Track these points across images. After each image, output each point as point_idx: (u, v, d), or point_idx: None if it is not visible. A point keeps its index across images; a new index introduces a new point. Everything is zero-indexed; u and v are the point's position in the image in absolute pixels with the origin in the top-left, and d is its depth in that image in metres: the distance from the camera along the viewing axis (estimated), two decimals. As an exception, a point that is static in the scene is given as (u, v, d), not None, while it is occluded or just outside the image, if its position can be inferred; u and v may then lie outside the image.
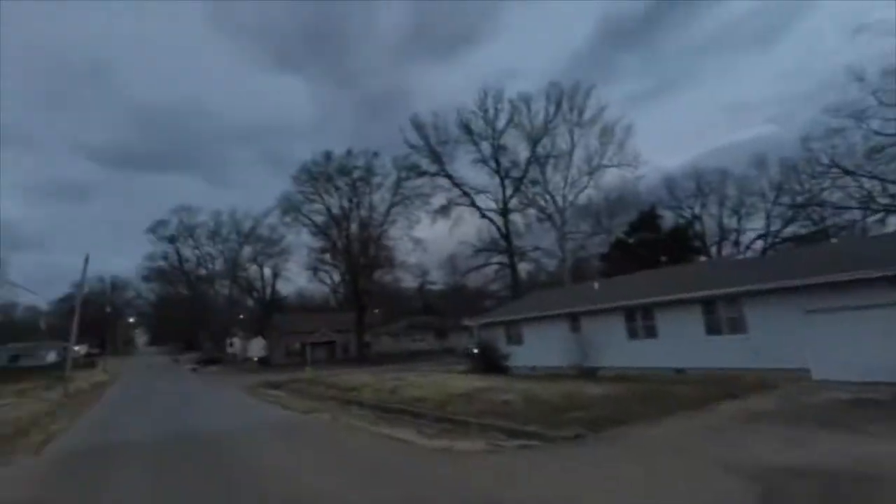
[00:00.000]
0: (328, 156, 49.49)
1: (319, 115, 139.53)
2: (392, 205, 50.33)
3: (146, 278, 78.56)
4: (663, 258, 39.63)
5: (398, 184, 50.14)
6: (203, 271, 72.46)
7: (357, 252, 51.41)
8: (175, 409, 19.75)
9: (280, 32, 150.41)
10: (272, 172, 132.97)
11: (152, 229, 64.24)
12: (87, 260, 30.15)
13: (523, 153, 49.43)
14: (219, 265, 72.99)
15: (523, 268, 53.49)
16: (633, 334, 20.07)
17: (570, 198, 48.00)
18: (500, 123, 49.80)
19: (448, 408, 12.85)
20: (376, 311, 58.84)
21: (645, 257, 39.94)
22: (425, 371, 29.43)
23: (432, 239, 53.17)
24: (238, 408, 19.55)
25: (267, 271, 55.16)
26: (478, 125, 49.94)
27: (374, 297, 52.33)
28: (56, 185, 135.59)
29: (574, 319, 22.71)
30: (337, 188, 50.28)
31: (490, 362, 23.77)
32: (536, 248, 50.95)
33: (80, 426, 15.98)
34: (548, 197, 48.53)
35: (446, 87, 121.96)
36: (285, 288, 66.50)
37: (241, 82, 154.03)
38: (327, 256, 54.95)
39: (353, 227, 51.71)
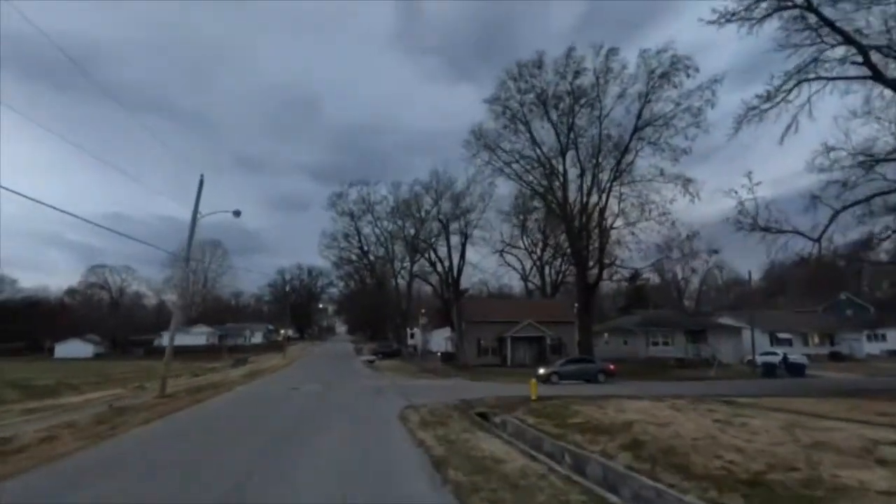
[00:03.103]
0: (539, 62, 33.41)
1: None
2: (639, 127, 31.79)
3: (336, 265, 75.06)
4: None
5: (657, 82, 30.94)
6: (382, 251, 64.33)
7: (577, 216, 34.70)
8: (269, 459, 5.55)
9: (455, 46, 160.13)
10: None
11: (332, 203, 57.70)
12: (201, 182, 19.74)
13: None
14: (399, 248, 63.94)
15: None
16: None
17: None
18: None
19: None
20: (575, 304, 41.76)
21: None
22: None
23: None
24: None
25: (454, 240, 41.51)
26: None
27: (596, 284, 34.96)
28: (281, 199, 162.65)
29: None
30: (555, 108, 33.73)
31: None
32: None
33: None
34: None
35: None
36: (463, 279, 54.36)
37: (421, 96, 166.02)
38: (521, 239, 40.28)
39: (573, 176, 34.97)
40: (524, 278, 68.00)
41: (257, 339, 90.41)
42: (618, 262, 33.98)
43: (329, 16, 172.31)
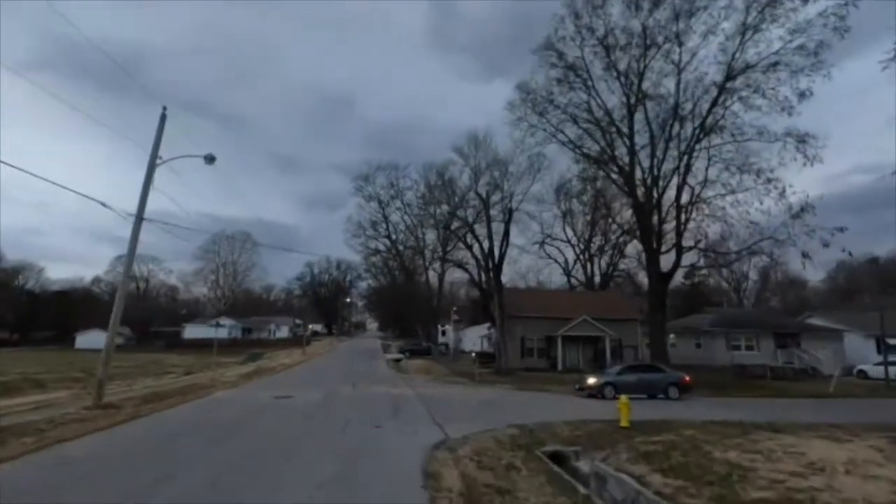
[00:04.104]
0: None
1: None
2: (733, 74, 24.68)
3: (365, 259, 70.39)
4: None
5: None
6: (412, 241, 58.99)
7: (648, 188, 28.12)
8: None
9: (489, 43, 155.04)
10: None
11: (358, 188, 52.77)
12: (162, 119, 14.60)
13: None
14: (431, 237, 58.43)
15: None
16: None
17: None
18: None
19: None
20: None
21: None
22: None
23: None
24: None
25: (495, 218, 34.96)
26: None
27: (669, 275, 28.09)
28: (315, 198, 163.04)
29: None
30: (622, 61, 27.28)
31: None
32: None
33: None
34: None
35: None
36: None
37: (455, 93, 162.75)
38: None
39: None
40: (566, 272, 61.31)
41: (283, 333, 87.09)
42: (701, 246, 27.05)
43: (362, 15, 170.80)
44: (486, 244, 30.64)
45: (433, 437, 9.78)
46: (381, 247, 60.44)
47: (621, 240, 55.90)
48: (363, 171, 50.09)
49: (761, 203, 25.19)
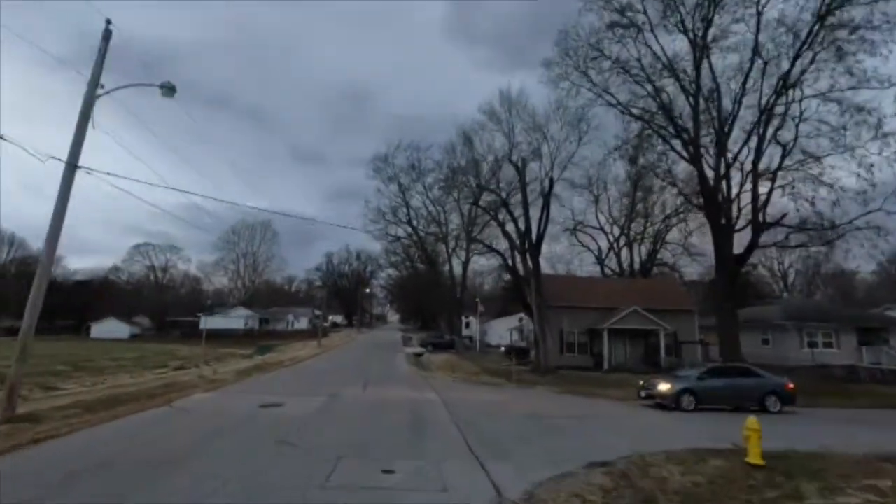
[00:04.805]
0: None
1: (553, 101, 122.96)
2: (828, 10, 19.71)
3: (386, 250, 66.92)
4: None
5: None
6: (435, 226, 55.00)
7: (715, 154, 23.49)
8: None
9: (510, 33, 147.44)
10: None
11: (376, 169, 48.95)
12: (106, 35, 10.94)
13: None
14: (455, 221, 54.45)
15: None
16: None
17: None
18: None
19: None
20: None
21: None
22: None
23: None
24: None
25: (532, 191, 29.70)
26: None
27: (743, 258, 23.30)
28: (337, 190, 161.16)
29: None
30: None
31: None
32: None
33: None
34: None
35: None
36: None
37: (477, 85, 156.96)
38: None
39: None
40: (599, 261, 56.61)
41: (302, 324, 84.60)
42: (785, 221, 22.20)
43: (383, 8, 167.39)
44: (521, 223, 26.31)
45: (478, 495, 5.82)
46: (402, 233, 56.65)
47: (664, 225, 51.08)
48: (382, 152, 45.72)
49: (866, 169, 20.30)
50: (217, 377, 19.31)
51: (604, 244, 56.97)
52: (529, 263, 25.52)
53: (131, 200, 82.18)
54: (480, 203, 27.63)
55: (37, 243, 74.74)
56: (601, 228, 56.05)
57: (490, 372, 25.36)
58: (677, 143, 25.51)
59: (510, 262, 26.92)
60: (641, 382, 16.46)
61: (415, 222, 54.89)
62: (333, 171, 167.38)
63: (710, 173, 24.28)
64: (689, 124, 24.70)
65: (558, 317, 28.49)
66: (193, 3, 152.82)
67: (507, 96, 30.07)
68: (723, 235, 23.78)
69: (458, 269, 56.98)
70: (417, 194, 51.61)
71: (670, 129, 25.45)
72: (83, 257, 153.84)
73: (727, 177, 24.18)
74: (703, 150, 24.65)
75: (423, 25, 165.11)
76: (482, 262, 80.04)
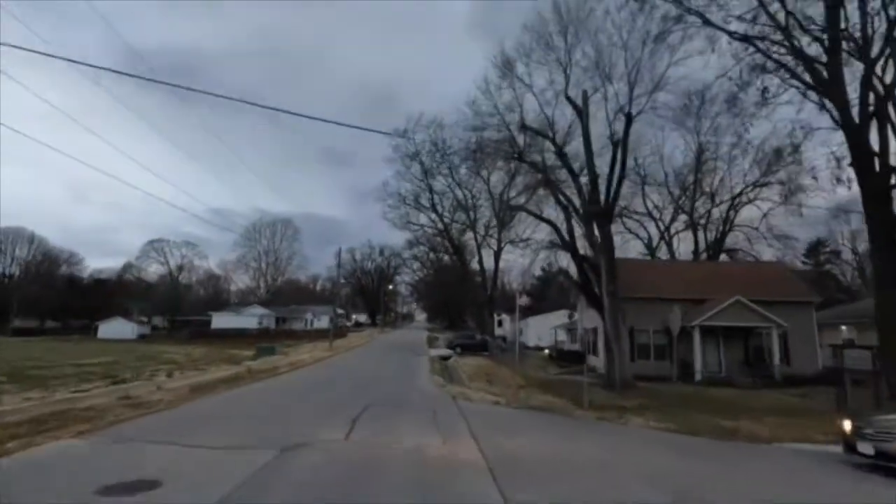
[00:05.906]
0: None
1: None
2: None
3: (411, 242, 60.79)
4: None
5: None
6: (462, 215, 48.46)
7: (864, 101, 16.19)
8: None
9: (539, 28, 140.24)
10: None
11: (395, 149, 42.61)
12: None
13: None
14: (485, 209, 47.96)
15: None
16: None
17: None
18: None
19: None
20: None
21: None
22: None
23: None
24: None
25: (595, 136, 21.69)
26: None
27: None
28: (364, 190, 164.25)
29: None
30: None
31: None
32: None
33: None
34: None
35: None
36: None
37: (499, 80, 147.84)
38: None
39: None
40: (650, 250, 49.22)
41: (322, 323, 79.47)
42: None
43: (408, 9, 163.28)
44: (584, 175, 18.87)
45: None
46: (426, 220, 50.19)
47: (737, 201, 43.16)
48: (401, 127, 39.15)
49: None
50: (154, 397, 13.35)
51: (653, 231, 49.83)
52: (597, 235, 18.47)
53: (162, 204, 78.84)
54: (524, 156, 20.31)
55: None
56: (649, 214, 48.83)
57: (541, 386, 18.65)
58: (802, 73, 18.12)
59: (566, 236, 19.80)
60: (852, 424, 9.20)
61: (439, 208, 48.43)
62: (359, 172, 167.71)
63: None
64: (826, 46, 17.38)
65: (628, 310, 21.43)
66: (222, 10, 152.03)
67: (557, 8, 21.59)
68: (881, 191, 16.40)
69: (488, 262, 50.29)
70: (441, 176, 45.04)
71: (789, 55, 18.15)
72: (106, 258, 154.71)
73: (885, 110, 16.75)
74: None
75: (446, 25, 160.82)
76: (509, 258, 72.49)
